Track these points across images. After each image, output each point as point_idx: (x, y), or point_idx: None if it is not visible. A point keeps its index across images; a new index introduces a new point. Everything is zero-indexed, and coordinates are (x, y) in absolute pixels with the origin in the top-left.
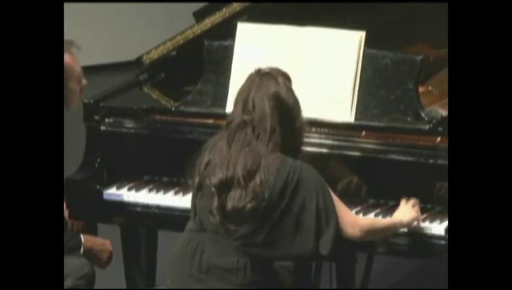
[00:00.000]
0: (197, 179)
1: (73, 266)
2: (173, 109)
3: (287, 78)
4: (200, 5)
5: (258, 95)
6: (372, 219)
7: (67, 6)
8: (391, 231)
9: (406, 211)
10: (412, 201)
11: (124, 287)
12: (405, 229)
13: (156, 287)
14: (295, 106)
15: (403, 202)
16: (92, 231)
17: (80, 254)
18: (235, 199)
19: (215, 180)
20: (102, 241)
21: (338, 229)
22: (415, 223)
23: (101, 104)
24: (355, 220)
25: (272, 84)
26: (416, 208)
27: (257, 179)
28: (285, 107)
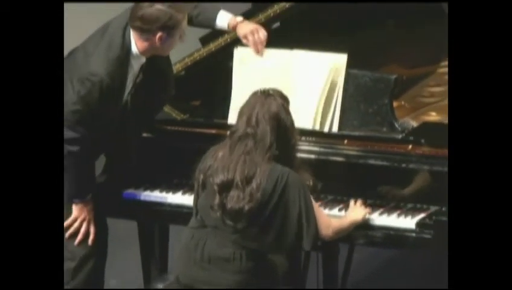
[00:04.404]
0: (201, 178)
1: None
2: (182, 120)
3: (286, 100)
4: (206, 31)
5: (262, 113)
6: (338, 220)
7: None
8: (351, 228)
9: (357, 210)
10: (359, 201)
11: (141, 275)
12: (381, 224)
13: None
14: (291, 126)
15: (352, 203)
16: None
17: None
18: (233, 199)
19: (217, 180)
20: (90, 229)
21: (317, 227)
22: (366, 216)
23: None
24: (329, 222)
25: (275, 105)
26: (364, 205)
27: (253, 184)
28: (283, 127)
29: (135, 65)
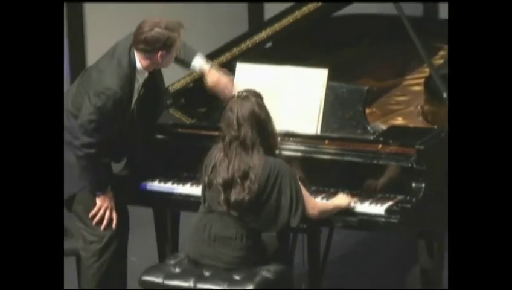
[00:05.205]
0: (206, 179)
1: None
2: (190, 124)
3: (259, 96)
4: (211, 49)
5: (240, 114)
6: (323, 203)
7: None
8: (335, 211)
9: (342, 198)
10: (346, 193)
11: (156, 253)
12: (356, 210)
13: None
14: (266, 117)
15: (341, 193)
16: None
17: (93, 194)
18: (235, 193)
19: (220, 180)
20: (113, 215)
21: (304, 208)
22: (349, 205)
23: None
24: (315, 204)
25: (249, 104)
26: (349, 197)
27: (249, 178)
28: (260, 121)
29: (140, 79)
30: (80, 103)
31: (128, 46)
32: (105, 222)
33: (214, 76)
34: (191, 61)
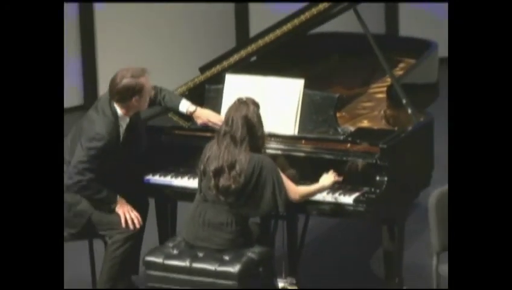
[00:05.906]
0: (202, 167)
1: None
2: (187, 126)
3: (255, 104)
4: (205, 61)
5: (236, 116)
6: (305, 187)
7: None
8: (320, 191)
9: (326, 177)
10: (331, 171)
11: (157, 237)
12: (328, 200)
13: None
14: (257, 123)
15: (324, 174)
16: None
17: (111, 209)
18: (223, 180)
19: (212, 168)
20: (135, 213)
21: (287, 195)
22: (333, 185)
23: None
24: (296, 189)
25: (245, 109)
26: (334, 174)
27: (236, 169)
28: (251, 124)
29: (123, 124)
30: (74, 150)
31: (108, 99)
32: (135, 220)
33: (203, 115)
34: (177, 106)
